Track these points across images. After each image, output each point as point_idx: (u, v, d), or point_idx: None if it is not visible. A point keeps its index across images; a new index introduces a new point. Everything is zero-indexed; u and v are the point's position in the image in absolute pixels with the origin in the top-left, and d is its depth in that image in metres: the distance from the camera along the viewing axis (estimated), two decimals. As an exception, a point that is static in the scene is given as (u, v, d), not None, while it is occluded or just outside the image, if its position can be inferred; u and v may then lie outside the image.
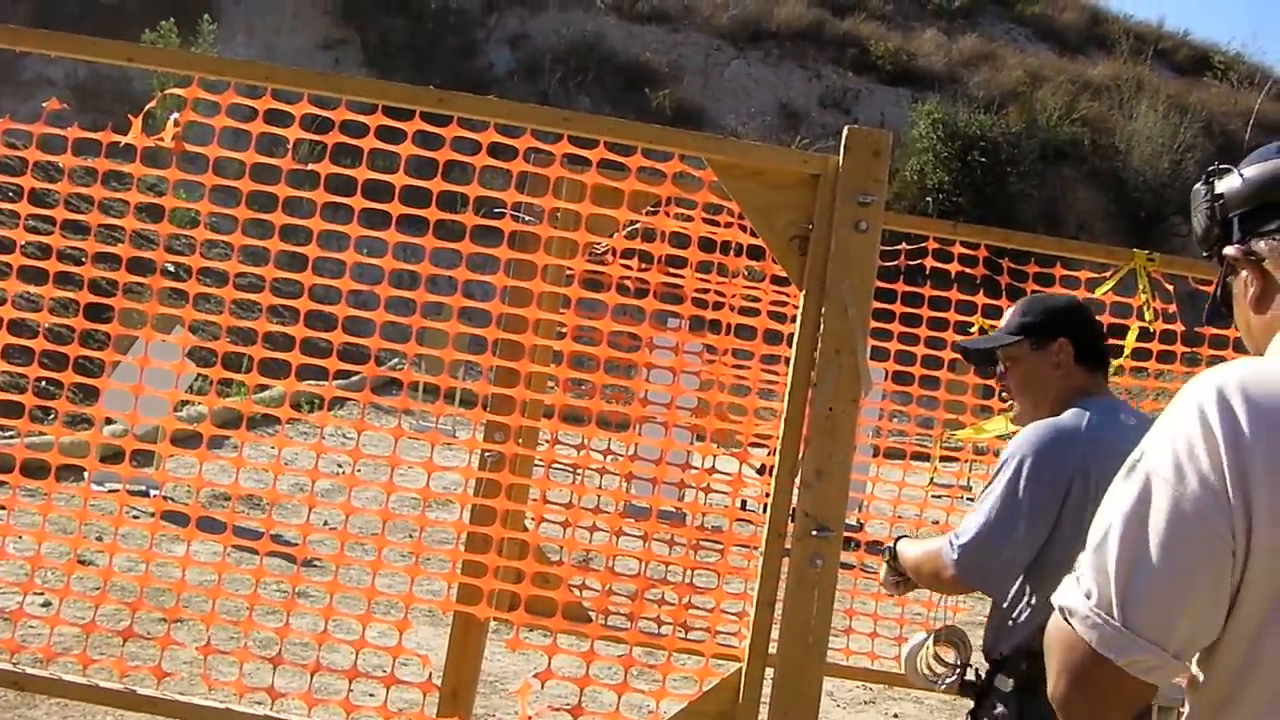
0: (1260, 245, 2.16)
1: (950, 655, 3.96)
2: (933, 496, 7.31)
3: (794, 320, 3.74)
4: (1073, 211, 37.58)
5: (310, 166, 4.24)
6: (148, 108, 4.32)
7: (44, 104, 4.38)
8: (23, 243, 4.36)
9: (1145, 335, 6.25)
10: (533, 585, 4.06)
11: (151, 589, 4.36)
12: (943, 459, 7.23)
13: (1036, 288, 6.57)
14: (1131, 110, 39.49)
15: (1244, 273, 2.20)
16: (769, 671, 3.58)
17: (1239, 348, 2.41)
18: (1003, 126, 36.44)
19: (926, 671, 3.99)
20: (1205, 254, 2.32)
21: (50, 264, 4.36)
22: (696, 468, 5.41)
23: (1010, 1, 45.63)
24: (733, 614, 4.77)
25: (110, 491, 4.55)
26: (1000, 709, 3.68)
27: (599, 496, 5.30)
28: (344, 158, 4.08)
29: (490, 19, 39.56)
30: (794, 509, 3.54)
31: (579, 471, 5.30)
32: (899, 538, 4.10)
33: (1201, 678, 1.99)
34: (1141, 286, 6.01)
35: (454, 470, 4.42)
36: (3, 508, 4.46)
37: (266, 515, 4.37)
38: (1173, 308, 6.28)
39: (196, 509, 4.33)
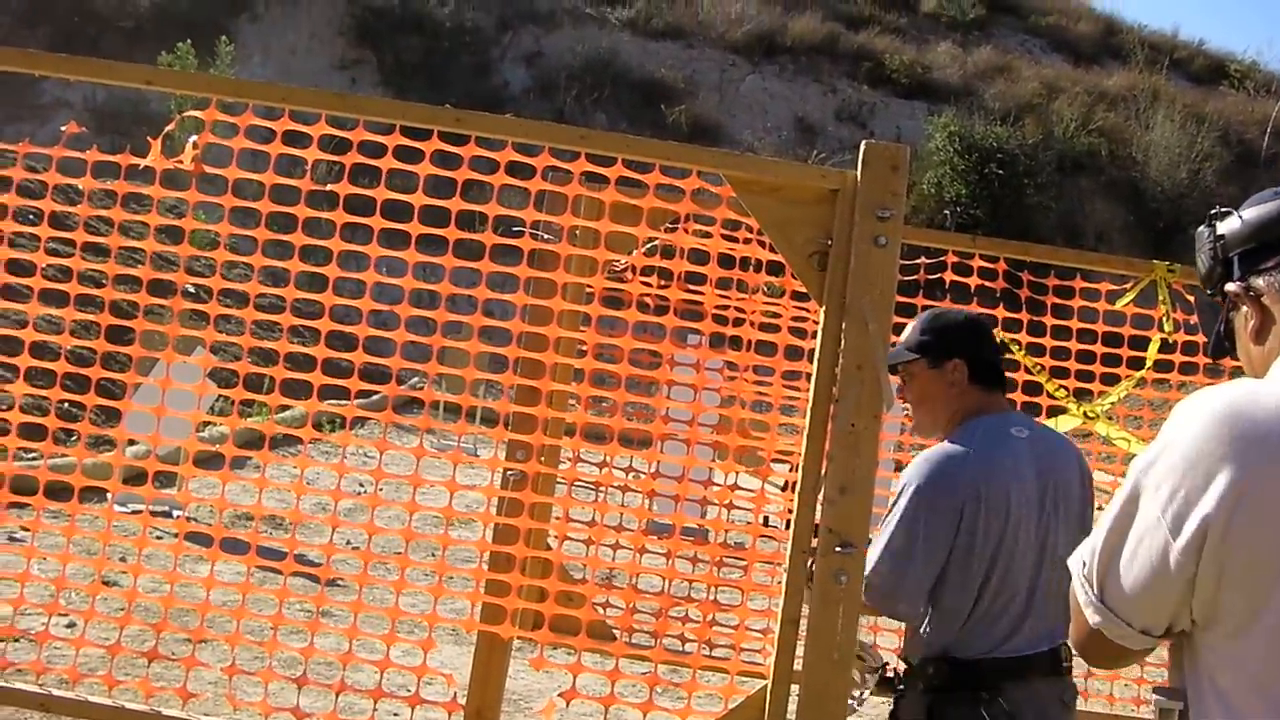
0: (1259, 282, 2.38)
1: (858, 668, 4.03)
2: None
3: (815, 336, 3.73)
4: (1090, 223, 37.49)
5: (329, 187, 4.25)
6: (166, 130, 4.34)
7: (63, 127, 4.40)
8: (44, 265, 4.38)
9: (1167, 347, 6.24)
10: (556, 604, 4.05)
11: (176, 610, 4.36)
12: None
13: (1057, 300, 6.56)
14: (1148, 120, 39.40)
15: (1244, 308, 2.41)
16: (794, 688, 3.57)
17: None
18: (1019, 138, 36.37)
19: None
20: (1209, 291, 2.54)
21: (71, 286, 4.38)
22: (719, 484, 5.41)
23: (1025, 13, 45.58)
24: (757, 631, 4.76)
25: (133, 513, 4.57)
26: (916, 708, 3.94)
27: (622, 514, 5.30)
28: (362, 178, 4.09)
29: (505, 37, 39.63)
30: (817, 524, 3.53)
31: (601, 489, 5.29)
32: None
33: (1204, 656, 2.23)
34: (1162, 298, 5.99)
35: (476, 489, 4.42)
36: (27, 530, 4.48)
37: (290, 535, 4.37)
38: (1194, 318, 6.25)
39: (220, 530, 4.34)
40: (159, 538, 8.25)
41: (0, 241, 4.43)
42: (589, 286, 4.67)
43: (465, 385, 4.29)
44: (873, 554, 3.76)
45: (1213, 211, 2.52)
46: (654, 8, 41.09)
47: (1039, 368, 6.52)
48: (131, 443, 5.19)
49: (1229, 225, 2.45)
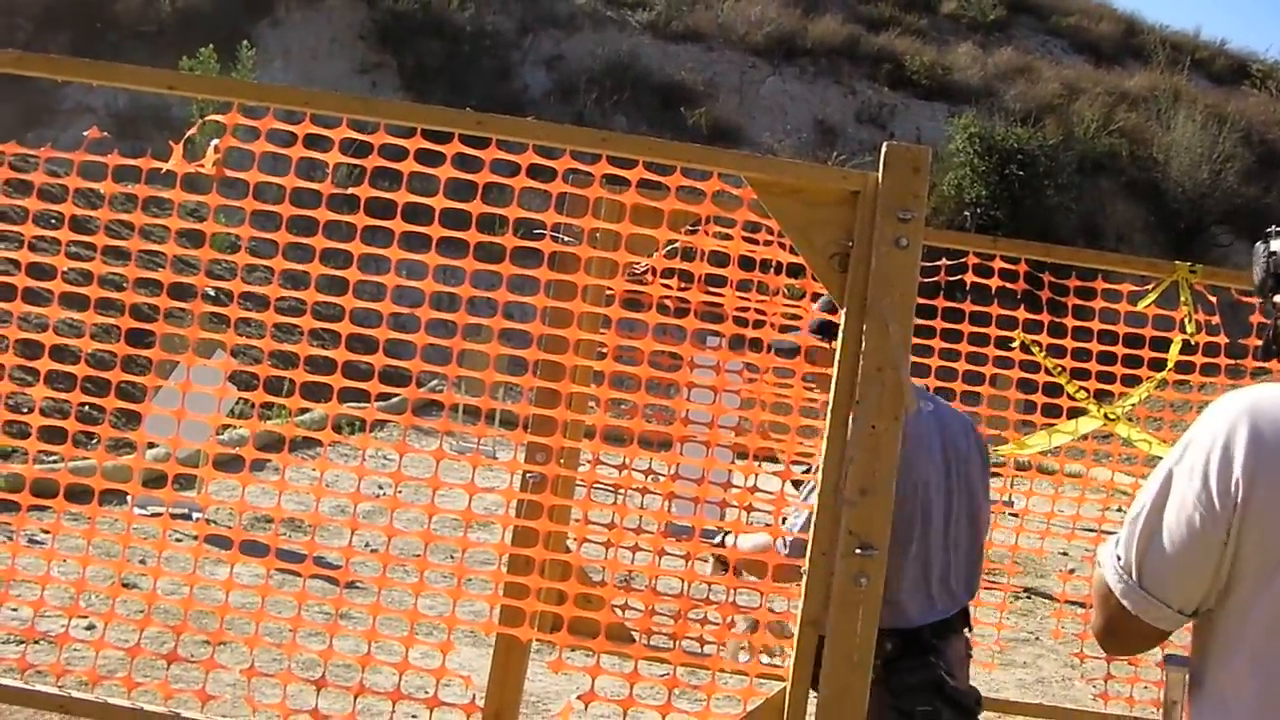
0: None
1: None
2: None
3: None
4: (1111, 224, 37.37)
5: (350, 190, 4.25)
6: (188, 134, 4.34)
7: (85, 132, 4.41)
8: (65, 269, 4.39)
9: (1188, 348, 6.21)
10: (575, 606, 4.05)
11: (195, 612, 4.37)
12: (985, 475, 7.19)
13: (1078, 302, 6.54)
14: (1169, 121, 39.25)
15: None
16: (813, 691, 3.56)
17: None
18: (1040, 139, 36.26)
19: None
20: (1260, 299, 2.82)
21: (92, 290, 4.39)
22: (739, 487, 5.39)
23: (1045, 14, 45.47)
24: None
25: (153, 515, 4.58)
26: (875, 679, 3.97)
27: (641, 517, 5.29)
28: (383, 181, 4.09)
29: (525, 41, 39.66)
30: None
31: (621, 492, 5.29)
32: (725, 533, 4.53)
33: (1212, 628, 2.51)
34: (1183, 299, 5.97)
35: (495, 491, 4.42)
36: (47, 532, 4.49)
37: (309, 538, 4.38)
38: (1215, 319, 6.23)
39: (239, 532, 4.34)
40: (178, 540, 8.26)
41: (21, 245, 4.44)
42: (609, 289, 4.67)
43: (485, 388, 4.29)
44: (792, 522, 4.10)
45: (1271, 229, 2.80)
46: (674, 10, 41.08)
47: (1059, 369, 6.51)
48: (151, 445, 5.20)
49: None
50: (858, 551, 3.45)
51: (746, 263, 5.19)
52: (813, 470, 4.24)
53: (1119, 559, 2.56)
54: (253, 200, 4.32)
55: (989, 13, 43.94)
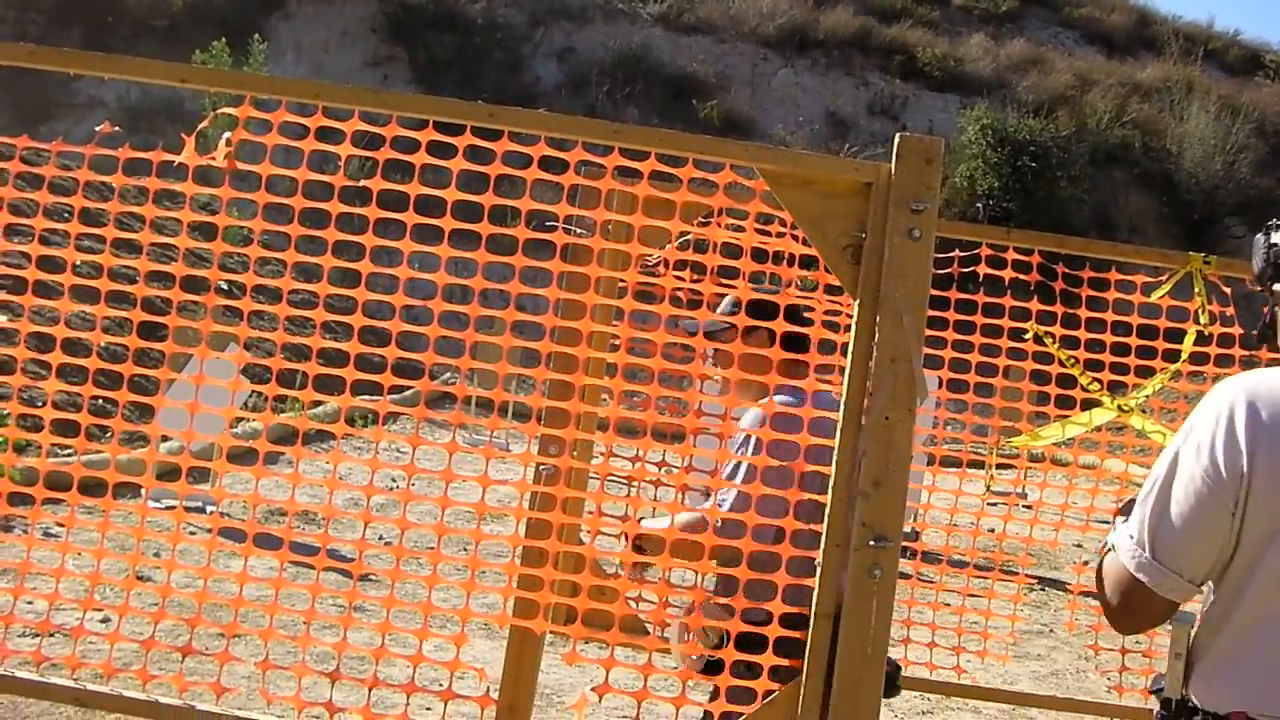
0: None
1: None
2: (988, 505, 7.25)
3: (848, 330, 3.72)
4: (1124, 215, 37.31)
5: (362, 183, 4.25)
6: (200, 127, 4.34)
7: (97, 127, 4.41)
8: (76, 262, 4.39)
9: (1202, 339, 6.19)
10: (589, 598, 4.04)
11: (209, 605, 4.36)
12: (999, 466, 7.19)
13: (1091, 293, 6.52)
14: (1182, 112, 39.16)
15: None
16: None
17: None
18: (1052, 131, 36.21)
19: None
20: (1259, 288, 3.05)
21: (103, 283, 4.38)
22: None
23: (1057, 5, 45.39)
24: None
25: (168, 508, 4.58)
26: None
27: (654, 509, 5.28)
28: (395, 174, 4.08)
29: (537, 33, 39.66)
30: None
31: (634, 484, 5.28)
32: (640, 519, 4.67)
33: (1214, 595, 2.77)
34: (1197, 290, 5.96)
35: (509, 484, 4.42)
36: (61, 525, 4.49)
37: (322, 531, 4.37)
38: (1230, 310, 6.20)
39: (253, 525, 4.34)
40: (193, 533, 8.28)
41: (32, 239, 4.44)
42: (622, 281, 4.66)
43: (498, 380, 4.28)
44: (729, 497, 4.28)
45: (1271, 223, 3.02)
46: (685, 2, 41.08)
47: (1073, 360, 6.49)
48: (165, 439, 5.21)
49: None
50: (871, 544, 3.45)
51: (759, 254, 5.18)
52: (739, 447, 4.41)
53: (1132, 537, 2.80)
54: (265, 193, 4.32)
55: (1001, 4, 43.89)
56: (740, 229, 4.80)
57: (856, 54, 41.02)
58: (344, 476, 4.41)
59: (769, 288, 5.02)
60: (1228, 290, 6.13)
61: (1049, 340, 6.52)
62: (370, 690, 4.18)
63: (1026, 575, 8.10)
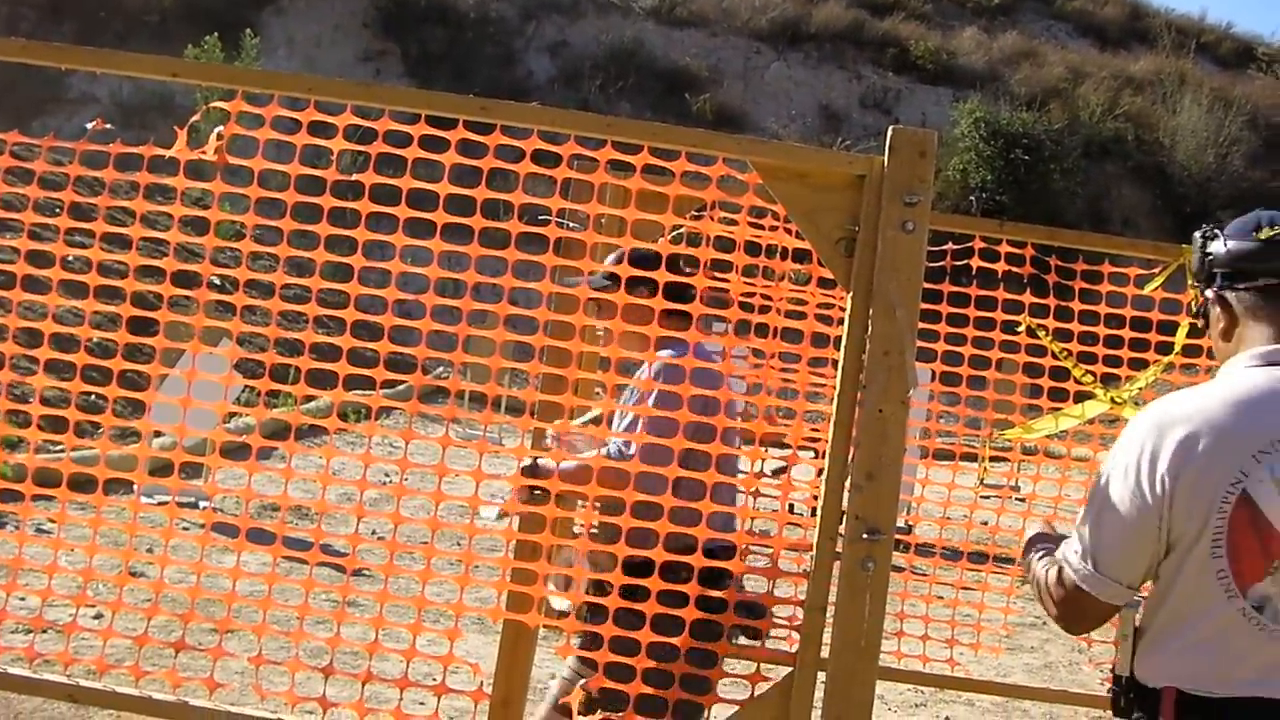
0: (1230, 296, 3.14)
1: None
2: (981, 497, 7.26)
3: (841, 323, 3.72)
4: (1117, 208, 37.34)
5: (354, 177, 4.23)
6: (192, 121, 4.33)
7: (89, 124, 4.39)
8: (67, 257, 4.37)
9: (1195, 332, 6.19)
10: (582, 592, 4.04)
11: (202, 600, 4.36)
12: (992, 459, 7.19)
13: (1084, 285, 6.52)
14: (1175, 105, 39.20)
15: (1218, 309, 3.17)
16: (820, 675, 3.56)
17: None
18: (1045, 124, 36.22)
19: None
20: (1193, 285, 3.43)
21: (92, 278, 4.37)
22: (744, 471, 5.38)
23: (1050, -2, 45.39)
24: (783, 618, 4.74)
25: (160, 504, 4.57)
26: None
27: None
28: (388, 168, 4.08)
29: (529, 27, 39.62)
30: (844, 511, 3.52)
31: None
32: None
33: (1153, 584, 3.07)
34: (1190, 282, 5.95)
35: (502, 478, 4.42)
36: (53, 522, 4.48)
37: (315, 526, 4.36)
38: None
39: (246, 520, 4.34)
40: (185, 529, 8.26)
41: (21, 233, 4.43)
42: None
43: (491, 374, 4.27)
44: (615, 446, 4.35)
45: (1205, 230, 3.27)
46: (677, -4, 41.03)
47: (1066, 353, 6.49)
48: (157, 434, 5.20)
49: (1215, 247, 3.18)
50: (864, 536, 3.45)
51: (752, 248, 5.18)
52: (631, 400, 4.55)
53: (1077, 553, 3.09)
54: (257, 187, 4.30)
55: (993, -3, 43.86)
56: (733, 222, 4.80)
57: (849, 47, 41.01)
58: (337, 471, 4.41)
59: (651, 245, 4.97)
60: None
61: (1042, 333, 6.52)
62: (364, 685, 4.17)
63: (1019, 568, 8.09)
